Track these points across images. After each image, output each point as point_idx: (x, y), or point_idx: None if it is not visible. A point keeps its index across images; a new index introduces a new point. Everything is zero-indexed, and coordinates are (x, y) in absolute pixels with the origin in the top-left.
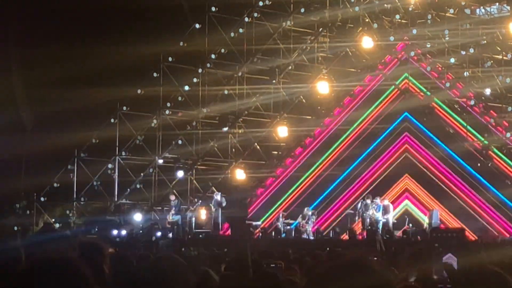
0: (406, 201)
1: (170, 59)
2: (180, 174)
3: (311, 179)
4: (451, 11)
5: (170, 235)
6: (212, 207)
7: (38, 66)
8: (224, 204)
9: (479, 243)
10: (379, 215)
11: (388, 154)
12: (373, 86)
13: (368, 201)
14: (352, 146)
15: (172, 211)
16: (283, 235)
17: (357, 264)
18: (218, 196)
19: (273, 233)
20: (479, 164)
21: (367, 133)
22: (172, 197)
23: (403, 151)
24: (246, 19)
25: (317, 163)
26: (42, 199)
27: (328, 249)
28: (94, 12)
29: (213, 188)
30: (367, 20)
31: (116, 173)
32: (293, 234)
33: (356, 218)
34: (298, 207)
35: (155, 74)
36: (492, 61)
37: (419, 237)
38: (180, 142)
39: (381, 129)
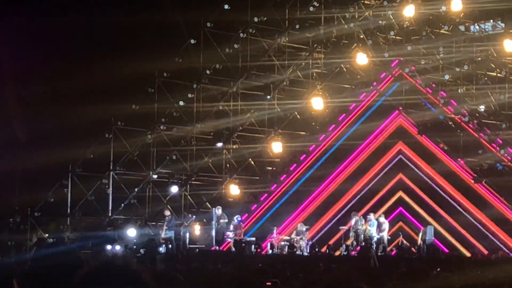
0: (400, 216)
1: (165, 74)
2: (174, 189)
3: (305, 195)
4: (446, 28)
5: (164, 250)
6: (214, 223)
7: (33, 82)
8: (225, 220)
9: (472, 260)
10: (373, 231)
11: (381, 169)
12: (367, 102)
13: (357, 217)
14: (344, 161)
15: (165, 227)
16: (276, 251)
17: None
18: (219, 211)
19: (268, 249)
20: (473, 181)
21: (360, 149)
22: (167, 212)
23: (398, 166)
24: (241, 35)
25: (308, 177)
26: (36, 214)
27: (321, 265)
28: (89, 29)
29: (207, 204)
30: (361, 36)
31: (111, 188)
32: (286, 250)
33: (350, 234)
34: (292, 222)
35: (150, 90)
36: (486, 78)
37: (413, 252)
38: (174, 157)
39: (375, 144)
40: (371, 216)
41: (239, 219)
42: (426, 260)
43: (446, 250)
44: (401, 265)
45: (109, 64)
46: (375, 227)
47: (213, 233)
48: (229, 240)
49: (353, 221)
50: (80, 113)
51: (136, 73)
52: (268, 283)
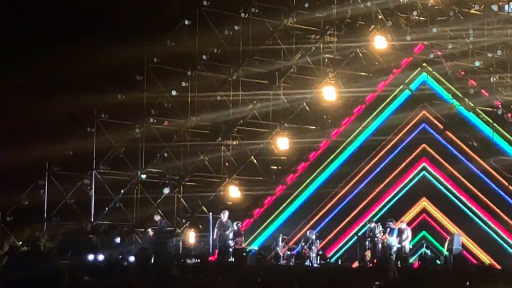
0: (424, 223)
1: (155, 60)
2: (165, 191)
3: (315, 199)
4: (476, 7)
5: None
6: (216, 230)
7: (5, 70)
8: (232, 227)
9: (504, 273)
10: (392, 240)
11: (403, 172)
12: (386, 92)
13: (373, 224)
14: (362, 162)
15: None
16: (282, 262)
17: None
18: (224, 215)
19: (272, 260)
20: (507, 184)
21: (379, 147)
22: (157, 217)
23: (421, 168)
24: (243, 15)
25: (322, 180)
26: (8, 219)
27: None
28: (68, 10)
29: (203, 208)
30: (380, 17)
31: (93, 190)
32: (294, 261)
33: (367, 243)
34: (301, 230)
35: (138, 78)
36: None
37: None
38: (166, 155)
39: (395, 143)
40: (391, 223)
41: (239, 225)
42: (453, 272)
43: (474, 261)
44: (424, 278)
45: (91, 49)
46: (395, 235)
47: (211, 240)
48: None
49: (368, 229)
50: (58, 104)
51: (122, 59)
52: None
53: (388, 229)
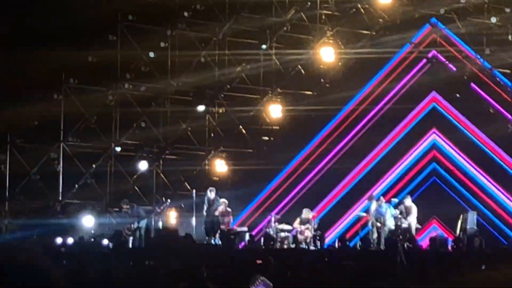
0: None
1: (130, 17)
2: (143, 165)
3: (313, 174)
4: None
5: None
6: (205, 208)
7: None
8: (221, 206)
9: None
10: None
11: (411, 144)
12: (391, 53)
13: (379, 202)
14: (362, 133)
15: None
16: (277, 244)
17: None
18: (211, 194)
19: (263, 241)
20: None
21: (380, 116)
22: (125, 205)
23: (430, 139)
24: None
25: (320, 153)
26: None
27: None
28: None
29: (186, 184)
30: None
31: (61, 164)
32: (288, 243)
33: (370, 223)
34: (296, 209)
35: (111, 37)
36: None
37: (451, 246)
38: (143, 124)
39: (402, 111)
40: (395, 201)
41: (227, 203)
42: (467, 255)
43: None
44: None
45: (57, 3)
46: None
47: (193, 221)
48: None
49: (372, 207)
50: (20, 67)
51: (93, 15)
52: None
53: (389, 207)
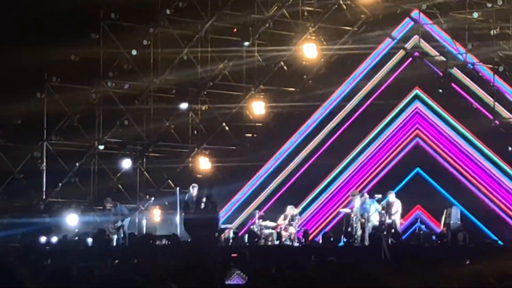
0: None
1: (112, 15)
2: (126, 163)
3: (296, 170)
4: None
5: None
6: (190, 205)
7: None
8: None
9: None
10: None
11: (394, 139)
12: (374, 49)
13: (361, 197)
14: (345, 128)
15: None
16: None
17: None
18: (194, 190)
19: (247, 238)
20: (510, 149)
21: (361, 113)
22: (109, 204)
23: (413, 135)
24: None
25: (304, 150)
26: None
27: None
28: None
29: (170, 182)
30: None
31: (44, 163)
32: (273, 239)
33: (354, 219)
34: (279, 205)
35: (93, 35)
36: None
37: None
38: (126, 122)
39: (384, 108)
40: (379, 197)
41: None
42: (451, 250)
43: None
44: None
45: (38, 1)
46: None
47: (177, 219)
48: None
49: (356, 203)
50: (1, 65)
51: (75, 13)
52: None
53: (373, 202)
